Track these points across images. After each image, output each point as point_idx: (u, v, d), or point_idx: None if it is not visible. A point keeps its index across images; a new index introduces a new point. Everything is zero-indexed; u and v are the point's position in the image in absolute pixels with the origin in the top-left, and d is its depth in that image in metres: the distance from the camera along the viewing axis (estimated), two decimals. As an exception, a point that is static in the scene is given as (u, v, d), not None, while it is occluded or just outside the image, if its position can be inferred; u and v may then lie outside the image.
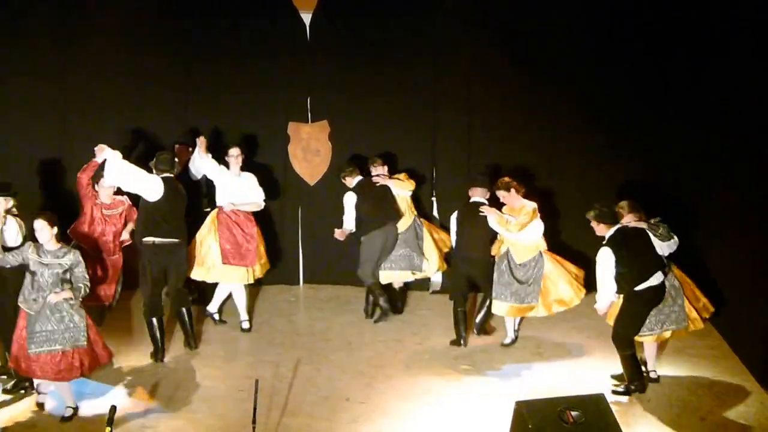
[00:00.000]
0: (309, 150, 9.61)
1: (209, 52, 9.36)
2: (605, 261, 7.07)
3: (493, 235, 8.13)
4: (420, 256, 8.79)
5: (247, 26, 9.34)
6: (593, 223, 7.26)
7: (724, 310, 8.34)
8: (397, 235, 8.70)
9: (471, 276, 8.24)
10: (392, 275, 8.83)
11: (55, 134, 9.41)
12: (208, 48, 9.36)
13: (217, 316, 8.75)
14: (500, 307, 8.03)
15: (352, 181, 8.71)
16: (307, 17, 9.37)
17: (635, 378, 7.22)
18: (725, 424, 6.82)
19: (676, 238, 7.28)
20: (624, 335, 7.17)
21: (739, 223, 8.01)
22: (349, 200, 8.66)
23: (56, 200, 8.90)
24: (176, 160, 8.04)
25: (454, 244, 8.34)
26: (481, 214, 7.99)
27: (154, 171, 7.85)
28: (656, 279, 7.13)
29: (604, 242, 7.16)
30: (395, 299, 9.02)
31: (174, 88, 9.45)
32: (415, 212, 8.92)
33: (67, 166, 9.31)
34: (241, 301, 8.63)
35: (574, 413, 5.80)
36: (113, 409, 5.73)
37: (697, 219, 8.91)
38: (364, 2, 9.31)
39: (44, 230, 6.68)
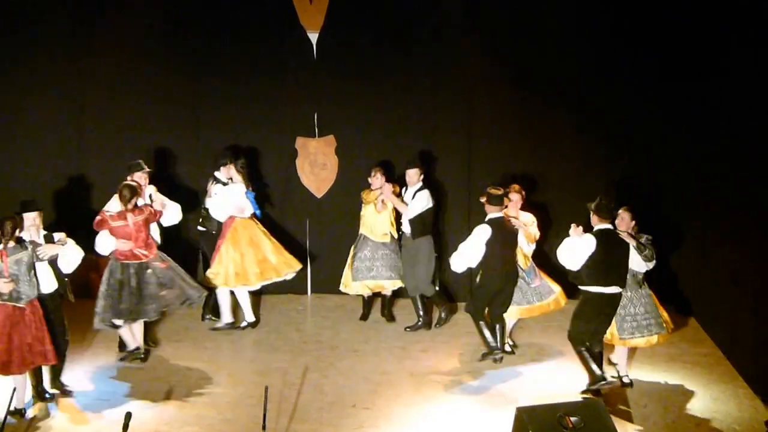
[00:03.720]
0: (316, 164, 9.75)
1: (220, 70, 9.51)
2: (585, 244, 7.27)
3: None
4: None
5: (256, 45, 9.48)
6: (591, 213, 7.44)
7: (718, 317, 8.49)
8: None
9: (506, 290, 8.13)
10: (382, 284, 9.01)
11: (70, 150, 9.55)
12: (219, 66, 9.51)
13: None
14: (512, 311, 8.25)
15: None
16: (314, 36, 9.54)
17: (593, 372, 7.37)
18: (720, 429, 6.93)
19: (655, 260, 7.57)
20: (575, 335, 7.41)
21: (733, 232, 8.10)
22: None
23: (73, 215, 9.07)
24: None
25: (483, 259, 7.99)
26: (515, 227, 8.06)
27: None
28: (612, 290, 7.36)
29: (600, 229, 7.36)
30: (385, 307, 9.20)
31: (185, 105, 9.59)
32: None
33: (82, 181, 9.46)
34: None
35: (573, 418, 5.93)
36: (128, 415, 5.86)
37: (691, 228, 9.06)
38: (367, 22, 9.46)
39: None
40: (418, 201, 8.80)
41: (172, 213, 8.37)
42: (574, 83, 9.37)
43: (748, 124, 7.74)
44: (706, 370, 7.97)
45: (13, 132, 9.42)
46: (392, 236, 8.97)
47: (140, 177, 8.19)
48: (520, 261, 8.21)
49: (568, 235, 7.53)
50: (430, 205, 8.87)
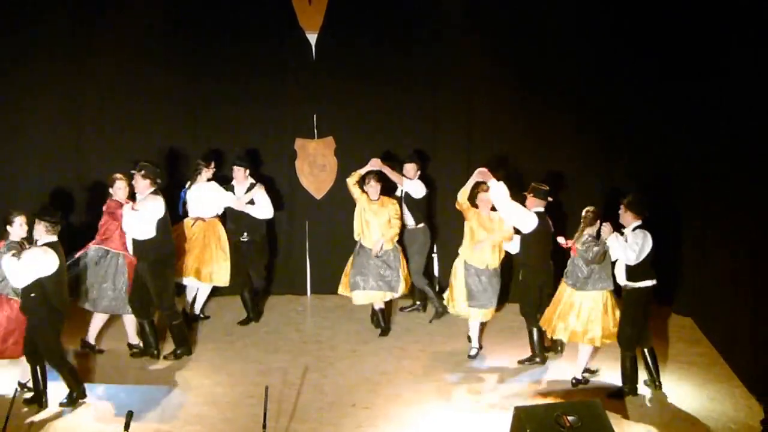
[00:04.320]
0: (315, 165, 9.78)
1: (219, 70, 9.54)
2: (645, 240, 7.25)
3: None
4: (398, 279, 8.89)
5: (256, 46, 9.52)
6: (622, 210, 7.39)
7: (714, 318, 8.53)
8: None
9: (546, 286, 8.19)
10: (373, 296, 8.89)
11: (70, 150, 9.59)
12: (218, 67, 9.54)
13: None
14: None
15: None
16: (312, 37, 9.58)
17: (630, 380, 7.48)
18: (716, 428, 6.98)
19: None
20: (630, 335, 7.40)
21: (732, 232, 8.12)
22: None
23: (72, 215, 9.15)
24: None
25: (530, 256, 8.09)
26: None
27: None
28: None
29: (638, 226, 7.32)
30: (374, 315, 9.12)
31: (185, 106, 9.63)
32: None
33: (82, 181, 9.51)
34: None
35: (570, 418, 5.99)
36: (130, 414, 5.92)
37: (691, 228, 9.09)
38: (367, 23, 9.51)
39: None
40: (417, 187, 8.99)
41: (140, 226, 7.98)
42: (574, 83, 9.40)
43: (748, 124, 7.76)
44: (702, 370, 8.02)
45: (13, 132, 9.46)
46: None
47: (135, 178, 8.16)
48: (497, 259, 8.27)
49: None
50: (425, 193, 9.05)
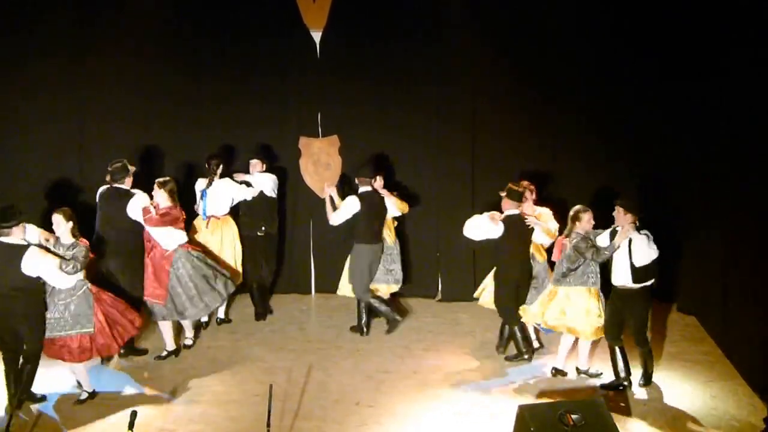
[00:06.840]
0: (320, 164, 9.79)
1: (224, 68, 9.56)
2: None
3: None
4: (400, 271, 9.03)
5: (260, 44, 9.54)
6: (620, 211, 7.52)
7: (718, 317, 8.56)
8: (380, 256, 8.92)
9: (522, 286, 8.18)
10: (379, 288, 8.99)
11: (71, 149, 9.59)
12: (223, 64, 9.57)
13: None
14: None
15: (362, 188, 8.78)
16: (317, 36, 9.59)
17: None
18: (719, 426, 7.02)
19: None
20: (645, 334, 7.67)
21: (733, 232, 8.17)
22: (352, 204, 8.68)
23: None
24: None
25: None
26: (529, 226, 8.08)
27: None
28: None
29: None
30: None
31: (189, 104, 9.64)
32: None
33: (83, 180, 9.49)
34: None
35: (573, 416, 6.02)
36: (134, 414, 5.94)
37: (691, 228, 9.12)
38: (371, 21, 9.52)
39: (60, 224, 7.26)
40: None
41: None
42: (575, 83, 9.44)
43: (748, 124, 7.80)
44: (705, 369, 8.06)
45: (15, 131, 9.46)
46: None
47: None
48: (538, 257, 8.30)
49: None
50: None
